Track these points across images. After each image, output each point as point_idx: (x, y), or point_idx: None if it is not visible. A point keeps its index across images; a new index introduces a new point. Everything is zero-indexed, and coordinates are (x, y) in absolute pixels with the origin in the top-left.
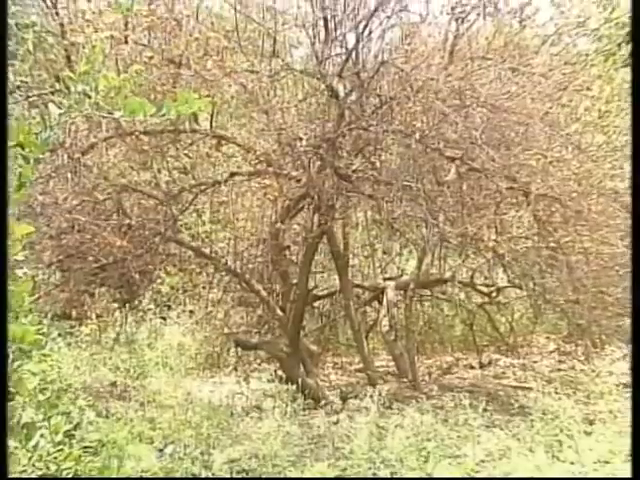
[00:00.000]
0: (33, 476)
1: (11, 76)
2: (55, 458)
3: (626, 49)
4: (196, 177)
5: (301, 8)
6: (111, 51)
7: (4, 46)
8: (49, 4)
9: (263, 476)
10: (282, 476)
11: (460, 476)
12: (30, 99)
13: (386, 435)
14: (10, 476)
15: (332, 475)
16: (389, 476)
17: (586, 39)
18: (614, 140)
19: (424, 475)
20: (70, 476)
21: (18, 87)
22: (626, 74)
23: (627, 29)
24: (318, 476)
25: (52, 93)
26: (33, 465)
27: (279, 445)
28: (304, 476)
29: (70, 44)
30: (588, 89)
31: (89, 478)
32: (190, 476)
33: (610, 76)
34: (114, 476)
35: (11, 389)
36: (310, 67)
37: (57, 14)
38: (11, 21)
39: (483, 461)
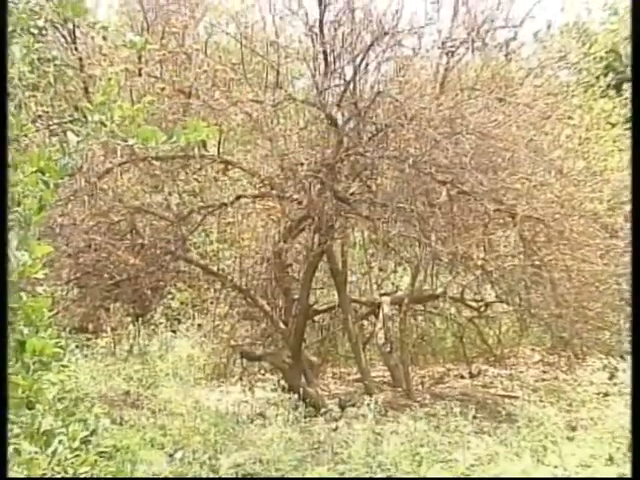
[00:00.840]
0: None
1: (33, 106)
2: (72, 463)
3: (604, 81)
4: (204, 199)
5: (302, 42)
6: (126, 83)
7: (4, 52)
8: (69, 40)
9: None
10: (284, 477)
11: (455, 476)
12: (50, 128)
13: (382, 441)
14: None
15: None
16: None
17: (567, 72)
18: (593, 165)
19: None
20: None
21: (39, 116)
22: (605, 104)
23: (604, 62)
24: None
25: (71, 122)
26: (52, 469)
27: (282, 450)
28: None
29: (88, 76)
30: (569, 118)
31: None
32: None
33: (590, 106)
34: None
35: (31, 399)
36: (311, 97)
37: (76, 49)
38: (33, 55)
39: (473, 465)
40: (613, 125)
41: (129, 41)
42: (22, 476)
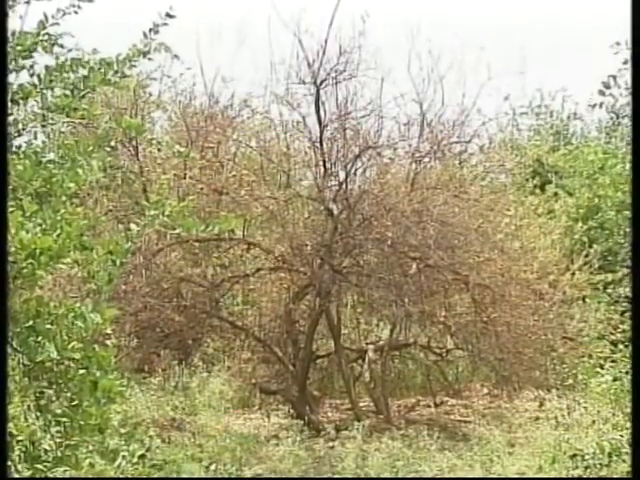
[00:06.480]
0: None
1: (105, 202)
2: (132, 473)
3: (532, 182)
4: (232, 271)
5: (307, 154)
6: (174, 185)
7: (4, 56)
8: (132, 152)
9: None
10: (284, 477)
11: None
12: (118, 219)
13: (368, 456)
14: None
15: None
16: None
17: (504, 175)
18: (526, 245)
19: None
20: None
21: (110, 210)
22: (532, 200)
23: (531, 169)
24: None
25: (133, 215)
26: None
27: (291, 464)
28: None
29: (146, 180)
30: (507, 210)
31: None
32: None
33: (522, 201)
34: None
35: (102, 425)
36: (313, 194)
37: (138, 159)
38: (107, 165)
39: (437, 474)
40: (539, 215)
41: (177, 151)
42: None
